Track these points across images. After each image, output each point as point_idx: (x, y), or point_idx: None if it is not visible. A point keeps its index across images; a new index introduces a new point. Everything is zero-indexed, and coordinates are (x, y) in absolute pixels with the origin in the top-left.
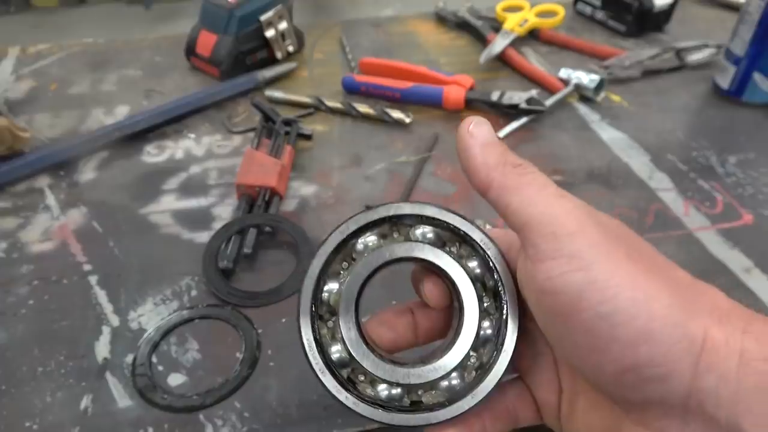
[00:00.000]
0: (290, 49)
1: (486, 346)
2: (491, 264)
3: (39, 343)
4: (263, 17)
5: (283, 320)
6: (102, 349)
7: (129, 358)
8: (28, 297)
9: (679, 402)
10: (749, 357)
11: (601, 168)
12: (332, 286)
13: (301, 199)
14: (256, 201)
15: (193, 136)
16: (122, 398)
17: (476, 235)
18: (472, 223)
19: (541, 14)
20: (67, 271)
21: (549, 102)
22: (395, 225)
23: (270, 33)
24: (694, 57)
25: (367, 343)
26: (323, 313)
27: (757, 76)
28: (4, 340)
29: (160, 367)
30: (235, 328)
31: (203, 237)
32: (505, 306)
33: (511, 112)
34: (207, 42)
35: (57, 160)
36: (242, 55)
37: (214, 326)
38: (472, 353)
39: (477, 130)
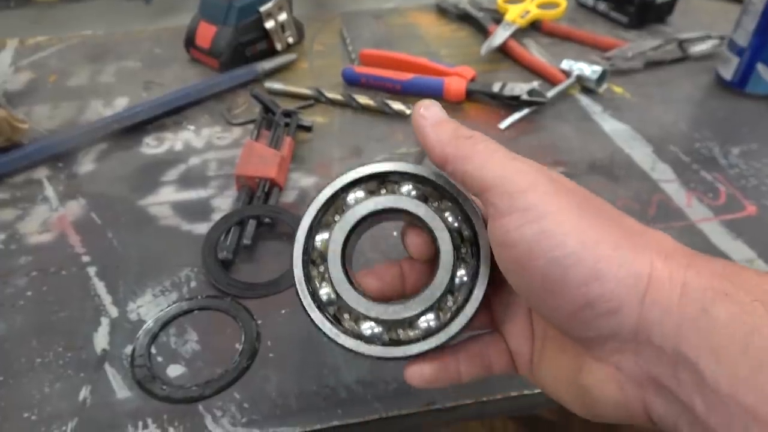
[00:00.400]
0: (290, 40)
1: (461, 290)
2: (466, 215)
3: (37, 334)
4: (263, 8)
5: (283, 311)
6: (101, 340)
7: (128, 349)
8: (26, 288)
9: (630, 335)
10: (689, 288)
11: (604, 159)
12: (324, 235)
13: (300, 190)
14: (256, 192)
15: (192, 127)
16: (121, 389)
17: (452, 189)
18: (449, 179)
19: (543, 5)
20: (66, 262)
21: (551, 93)
22: (383, 183)
23: (270, 24)
24: (697, 48)
25: (351, 283)
26: (315, 258)
27: (760, 67)
28: (3, 331)
29: (159, 358)
30: (234, 319)
31: (202, 228)
32: (478, 254)
33: (513, 103)
34: (206, 33)
35: (56, 151)
36: (242, 47)
37: (213, 317)
38: (449, 296)
39: (427, 111)
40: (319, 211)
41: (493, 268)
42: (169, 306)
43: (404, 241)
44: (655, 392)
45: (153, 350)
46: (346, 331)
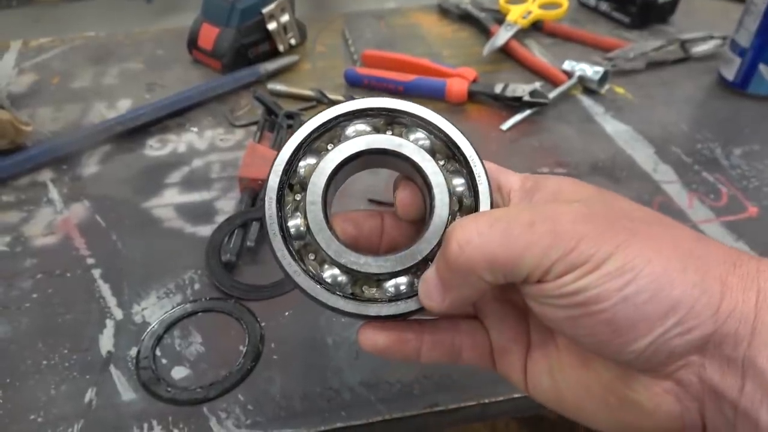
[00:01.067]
0: (292, 41)
1: None
2: (474, 183)
3: (43, 336)
4: (265, 10)
5: (287, 313)
6: (106, 342)
7: (133, 352)
8: (31, 290)
9: (699, 350)
10: (765, 295)
11: (606, 161)
12: (310, 161)
13: None
14: (259, 194)
15: (195, 129)
16: (126, 391)
17: (468, 151)
18: (468, 138)
19: (545, 6)
20: (71, 264)
21: (552, 94)
22: (392, 123)
23: (272, 25)
24: (699, 48)
25: (327, 222)
26: (294, 183)
27: (762, 68)
28: (8, 333)
29: (164, 360)
30: (238, 321)
31: (206, 231)
32: None
33: (515, 104)
34: (209, 35)
35: (59, 153)
36: (244, 48)
37: (217, 319)
38: (430, 264)
39: (429, 298)
40: (313, 132)
41: None
42: (173, 308)
43: (395, 193)
44: (716, 404)
45: (158, 352)
46: (306, 271)
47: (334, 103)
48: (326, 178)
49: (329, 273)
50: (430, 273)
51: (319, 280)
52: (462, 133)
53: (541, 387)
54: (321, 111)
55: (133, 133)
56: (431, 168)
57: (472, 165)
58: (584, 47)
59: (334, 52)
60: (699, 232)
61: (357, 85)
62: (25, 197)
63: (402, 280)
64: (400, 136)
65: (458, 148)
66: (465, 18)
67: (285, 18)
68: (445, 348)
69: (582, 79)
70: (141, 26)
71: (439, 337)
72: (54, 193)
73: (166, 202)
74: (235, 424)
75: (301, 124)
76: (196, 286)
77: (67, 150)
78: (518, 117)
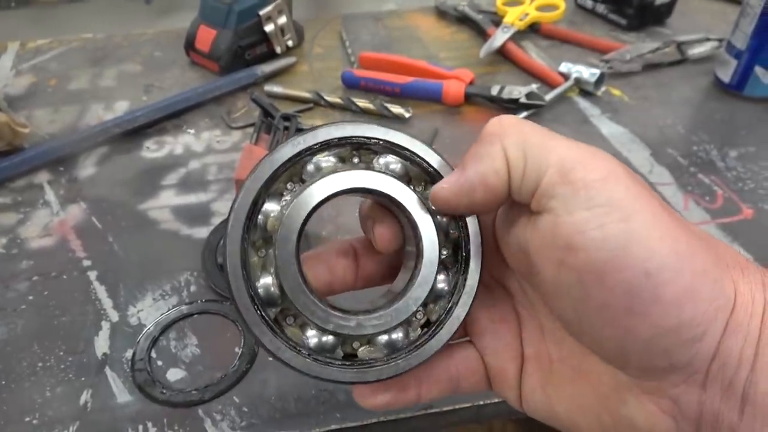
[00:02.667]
0: (290, 43)
1: (438, 302)
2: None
3: (39, 338)
4: (262, 12)
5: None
6: (101, 344)
7: (128, 354)
8: (27, 292)
9: (703, 365)
10: None
11: None
12: (272, 207)
13: None
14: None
15: (192, 131)
16: (121, 393)
17: (444, 171)
18: (445, 160)
19: (542, 8)
20: (67, 266)
21: (549, 96)
22: (359, 149)
23: (269, 27)
24: (696, 50)
25: (305, 282)
26: (255, 239)
27: (758, 70)
28: (4, 335)
29: (160, 362)
30: (234, 323)
31: (202, 232)
32: (466, 261)
33: (511, 106)
34: (206, 37)
35: (56, 155)
36: (241, 50)
37: (213, 321)
38: (420, 309)
39: (441, 183)
40: (272, 175)
41: (481, 274)
42: (169, 310)
43: (368, 225)
44: (713, 428)
45: (153, 354)
46: (288, 341)
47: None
48: (297, 232)
49: (313, 336)
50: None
51: (306, 350)
52: (437, 153)
53: (535, 402)
54: (276, 148)
55: (130, 134)
56: (410, 201)
57: None
58: (581, 49)
59: (331, 54)
60: None
61: (354, 87)
62: (22, 199)
63: (397, 330)
64: (370, 163)
65: (436, 171)
66: (462, 20)
67: (282, 20)
68: (443, 383)
69: (578, 81)
70: (140, 27)
71: (436, 373)
72: (50, 194)
73: (163, 203)
74: (230, 426)
75: (257, 165)
76: (192, 288)
77: (63, 152)
78: None
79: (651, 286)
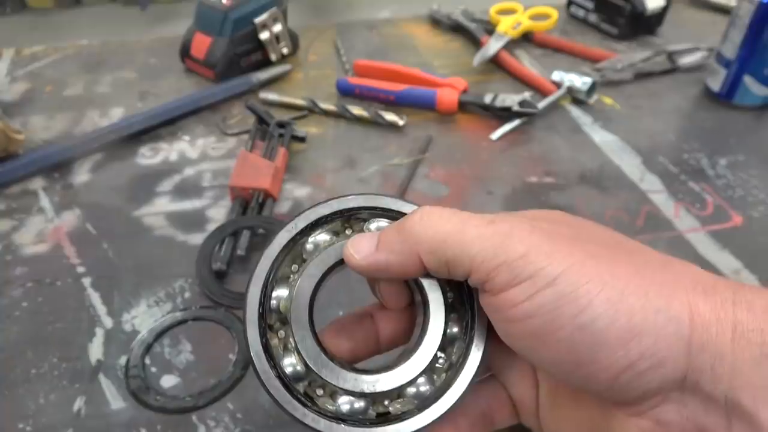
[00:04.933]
0: (285, 51)
1: (454, 344)
2: None
3: (32, 345)
4: (258, 19)
5: None
6: (95, 350)
7: (122, 360)
8: (21, 299)
9: (676, 386)
10: (743, 329)
11: (593, 170)
12: (281, 292)
13: (294, 201)
14: (250, 203)
15: (187, 138)
16: (115, 400)
17: None
18: None
19: (535, 17)
20: (61, 273)
21: (542, 104)
22: (348, 220)
23: (264, 35)
24: (686, 60)
25: (325, 352)
26: (273, 322)
27: (747, 79)
28: None
29: (154, 369)
30: (228, 329)
31: (197, 239)
32: (472, 299)
33: (504, 114)
34: (201, 44)
35: (51, 162)
36: (237, 58)
37: (207, 328)
38: (440, 354)
39: (354, 247)
40: (275, 262)
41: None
42: (163, 316)
43: (375, 288)
44: None
45: (147, 361)
46: (320, 411)
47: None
48: (307, 308)
49: (345, 399)
50: (369, 235)
51: (340, 417)
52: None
53: (547, 426)
54: (272, 239)
55: (125, 141)
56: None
57: None
58: (573, 58)
59: (326, 62)
60: (686, 242)
61: (349, 95)
62: (16, 205)
63: (421, 381)
64: (362, 230)
65: None
66: (456, 28)
67: (277, 28)
68: (479, 422)
69: (571, 90)
70: (135, 33)
71: (471, 416)
72: (45, 201)
73: (158, 210)
74: None
75: (259, 258)
76: (187, 295)
77: (59, 158)
78: (508, 127)
79: (588, 338)
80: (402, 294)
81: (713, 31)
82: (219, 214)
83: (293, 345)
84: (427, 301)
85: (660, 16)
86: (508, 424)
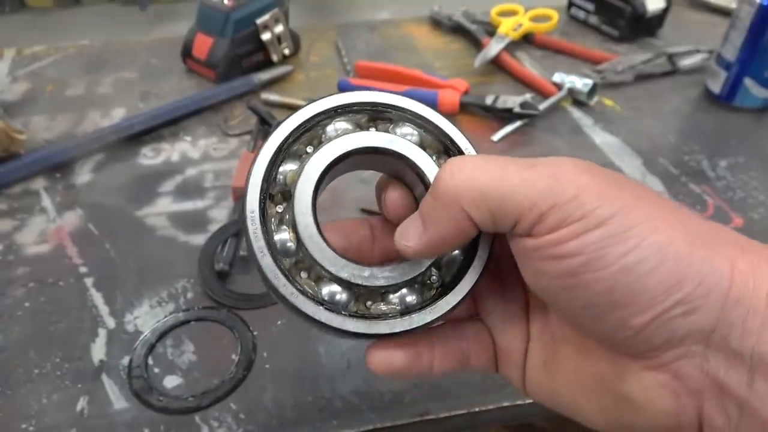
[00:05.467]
0: (286, 52)
1: (451, 266)
2: None
3: (35, 345)
4: (259, 20)
5: (279, 322)
6: (98, 351)
7: (125, 360)
8: (24, 299)
9: (702, 338)
10: None
11: None
12: (290, 166)
13: None
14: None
15: (189, 138)
16: (118, 400)
17: (463, 144)
18: (462, 131)
19: (535, 19)
20: (63, 273)
21: (543, 106)
22: (375, 119)
23: (266, 36)
24: (686, 62)
25: (320, 233)
26: (275, 193)
27: (748, 81)
28: (0, 342)
29: (156, 369)
30: (230, 330)
31: (199, 239)
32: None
33: (505, 116)
34: (203, 44)
35: (53, 162)
36: (238, 58)
37: (210, 328)
38: (434, 270)
39: (405, 237)
40: (291, 134)
41: (491, 251)
42: (166, 317)
43: (381, 195)
44: (718, 401)
45: (150, 361)
46: (303, 292)
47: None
48: (314, 184)
49: (327, 290)
50: (412, 216)
51: (319, 300)
52: (454, 125)
53: (537, 383)
54: (297, 110)
55: (127, 141)
56: (427, 164)
57: None
58: (574, 60)
59: (327, 63)
60: None
61: None
62: (18, 205)
63: (409, 291)
64: (387, 132)
65: (452, 140)
66: (457, 30)
67: (279, 28)
68: (455, 357)
69: (572, 91)
70: (135, 33)
71: (448, 346)
72: (47, 201)
73: (160, 210)
74: None
75: (276, 126)
76: (189, 295)
77: (60, 158)
78: (509, 128)
79: (632, 279)
80: (406, 205)
81: (713, 33)
82: (221, 214)
83: (290, 219)
84: None
85: (660, 18)
86: (483, 370)
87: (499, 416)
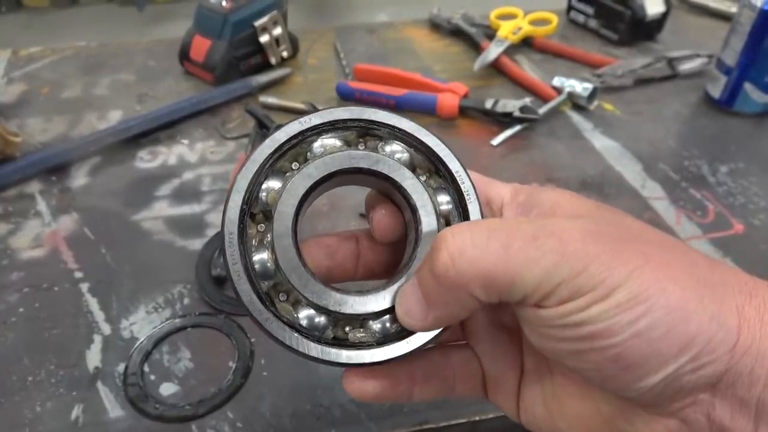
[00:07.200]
0: (284, 54)
1: None
2: (462, 201)
3: (29, 351)
4: (257, 22)
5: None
6: (93, 357)
7: (120, 367)
8: (18, 305)
9: (710, 387)
10: None
11: (594, 177)
12: (273, 184)
13: None
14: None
15: (186, 141)
16: (113, 408)
17: (453, 165)
18: (452, 151)
19: (535, 22)
20: (59, 278)
21: (542, 110)
22: (364, 135)
23: (264, 38)
24: (686, 66)
25: (300, 257)
26: (256, 211)
27: (748, 86)
28: None
29: (152, 377)
30: (228, 336)
31: (196, 244)
32: None
33: (505, 120)
34: (201, 47)
35: (49, 165)
36: (236, 61)
37: (206, 335)
38: None
39: (408, 313)
40: (276, 151)
41: None
42: (162, 323)
43: (369, 215)
44: None
45: (146, 368)
46: (279, 317)
47: (300, 113)
48: (295, 207)
49: (305, 314)
50: (411, 287)
51: (295, 326)
52: (446, 145)
53: (535, 417)
54: (283, 124)
55: (124, 144)
56: (414, 188)
57: (459, 182)
58: (573, 64)
59: (326, 66)
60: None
61: (349, 99)
62: (13, 209)
63: (389, 318)
64: (375, 150)
65: (442, 162)
66: (456, 33)
67: (277, 31)
68: (438, 384)
69: (571, 95)
70: (132, 34)
71: (430, 372)
72: (42, 205)
73: (156, 215)
74: None
75: (261, 140)
76: (186, 301)
77: (56, 161)
78: (508, 132)
79: (643, 345)
80: (394, 227)
81: (713, 37)
82: (218, 219)
83: (270, 241)
84: (419, 239)
85: (660, 22)
86: (470, 397)
87: (498, 425)
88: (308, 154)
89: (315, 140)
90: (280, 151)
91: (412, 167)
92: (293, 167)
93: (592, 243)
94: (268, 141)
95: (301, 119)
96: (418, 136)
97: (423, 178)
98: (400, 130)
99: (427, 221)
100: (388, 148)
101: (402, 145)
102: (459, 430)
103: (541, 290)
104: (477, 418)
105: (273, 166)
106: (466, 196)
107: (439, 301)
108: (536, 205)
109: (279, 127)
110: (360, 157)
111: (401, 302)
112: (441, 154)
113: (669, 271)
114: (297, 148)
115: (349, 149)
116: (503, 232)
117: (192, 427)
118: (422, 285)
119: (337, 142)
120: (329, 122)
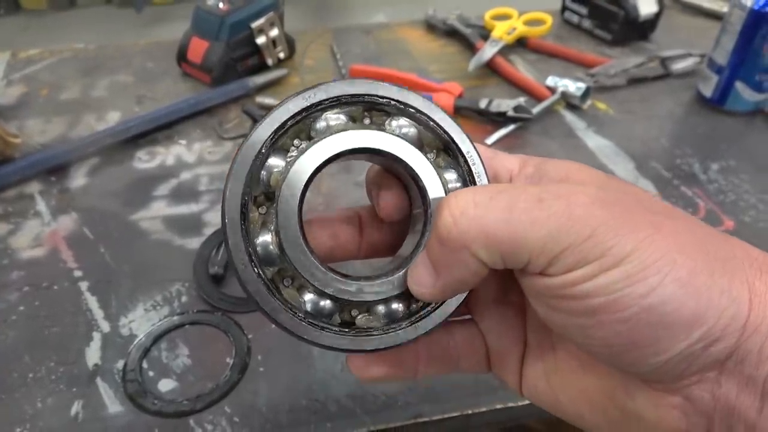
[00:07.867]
0: (281, 55)
1: None
2: (472, 179)
3: (29, 349)
4: (254, 24)
5: (273, 326)
6: (93, 355)
7: (119, 364)
8: (18, 303)
9: (717, 365)
10: None
11: None
12: (276, 162)
13: None
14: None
15: (184, 142)
16: (113, 404)
17: (464, 145)
18: (462, 129)
19: (529, 23)
20: (58, 277)
21: (536, 110)
22: (371, 110)
23: (261, 40)
24: (678, 66)
25: (306, 243)
26: (257, 194)
27: (739, 85)
28: None
29: (151, 373)
30: (225, 333)
31: (194, 243)
32: None
33: (499, 119)
34: (198, 48)
35: (48, 165)
36: (233, 62)
37: (204, 332)
38: None
39: (419, 283)
40: (279, 128)
41: None
42: (160, 321)
43: (374, 193)
44: (726, 423)
45: (144, 365)
46: (285, 303)
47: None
48: (300, 190)
49: (310, 300)
50: (421, 256)
51: (301, 313)
52: (455, 122)
53: (537, 391)
54: (286, 98)
55: (122, 145)
56: (423, 167)
57: (470, 163)
58: (567, 63)
59: (322, 66)
60: None
61: None
62: (13, 209)
63: (398, 300)
64: (381, 125)
65: (453, 140)
66: (451, 33)
67: (274, 32)
68: (442, 360)
69: (565, 95)
70: (130, 35)
71: (435, 349)
72: (42, 205)
73: (154, 214)
74: None
75: (264, 114)
76: (184, 299)
77: (55, 162)
78: (503, 131)
79: (655, 319)
80: (400, 206)
81: (705, 37)
82: (216, 218)
83: (274, 224)
84: (429, 222)
85: (653, 22)
86: (474, 372)
87: (491, 418)
88: (311, 130)
89: (319, 116)
90: (283, 129)
91: (420, 144)
92: (295, 143)
93: (600, 208)
94: (269, 118)
95: (305, 94)
96: (430, 114)
97: (431, 156)
98: (411, 106)
99: (435, 202)
100: (394, 123)
101: (409, 120)
102: (452, 424)
103: (546, 254)
104: (470, 411)
105: (275, 143)
106: (476, 177)
107: (445, 265)
108: (545, 175)
109: (284, 102)
110: (367, 137)
111: (412, 273)
112: (451, 132)
113: (679, 242)
114: (300, 124)
115: (354, 125)
116: (508, 193)
117: (190, 422)
118: (429, 251)
119: (342, 117)
120: (335, 97)
